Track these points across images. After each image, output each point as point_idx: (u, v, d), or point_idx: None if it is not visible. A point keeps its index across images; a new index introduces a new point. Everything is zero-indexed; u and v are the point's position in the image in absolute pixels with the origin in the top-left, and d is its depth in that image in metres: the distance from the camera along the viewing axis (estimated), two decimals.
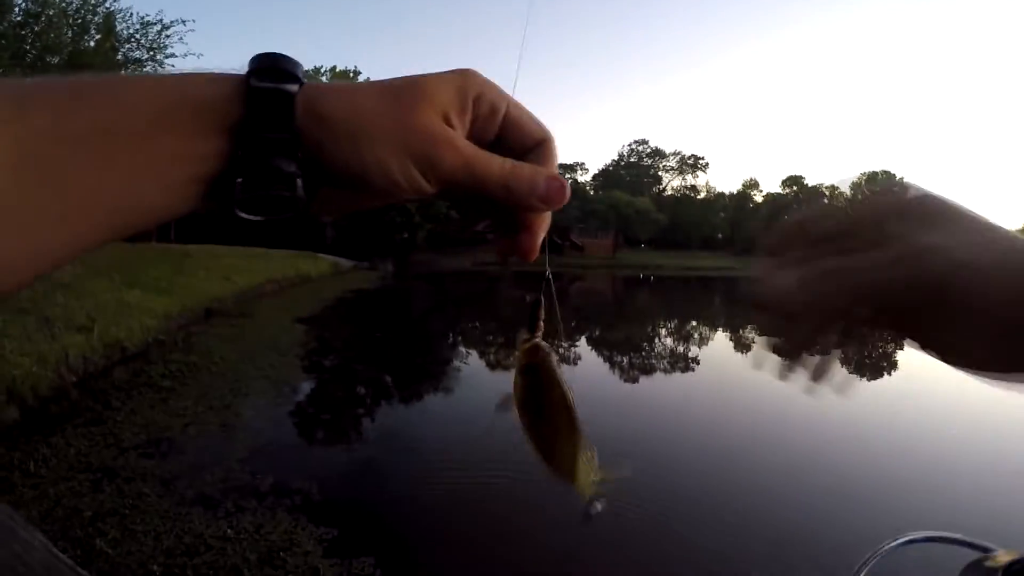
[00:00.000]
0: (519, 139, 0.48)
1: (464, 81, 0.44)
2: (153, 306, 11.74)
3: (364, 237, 43.08)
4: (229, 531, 4.10)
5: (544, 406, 0.52)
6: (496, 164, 0.44)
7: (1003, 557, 0.88)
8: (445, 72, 0.44)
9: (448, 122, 0.43)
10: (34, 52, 19.90)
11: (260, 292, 18.95)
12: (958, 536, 1.16)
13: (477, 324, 17.05)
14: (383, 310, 18.82)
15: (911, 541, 1.22)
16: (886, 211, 0.45)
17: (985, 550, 1.01)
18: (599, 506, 0.55)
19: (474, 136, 0.45)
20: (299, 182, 0.40)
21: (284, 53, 0.41)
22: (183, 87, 0.38)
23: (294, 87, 0.40)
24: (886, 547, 1.21)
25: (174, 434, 5.98)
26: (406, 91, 0.42)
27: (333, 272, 30.01)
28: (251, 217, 0.40)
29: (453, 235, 54.35)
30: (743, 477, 5.57)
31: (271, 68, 0.40)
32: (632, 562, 4.05)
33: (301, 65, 0.41)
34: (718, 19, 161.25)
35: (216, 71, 0.40)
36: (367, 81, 0.44)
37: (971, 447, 6.87)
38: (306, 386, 8.51)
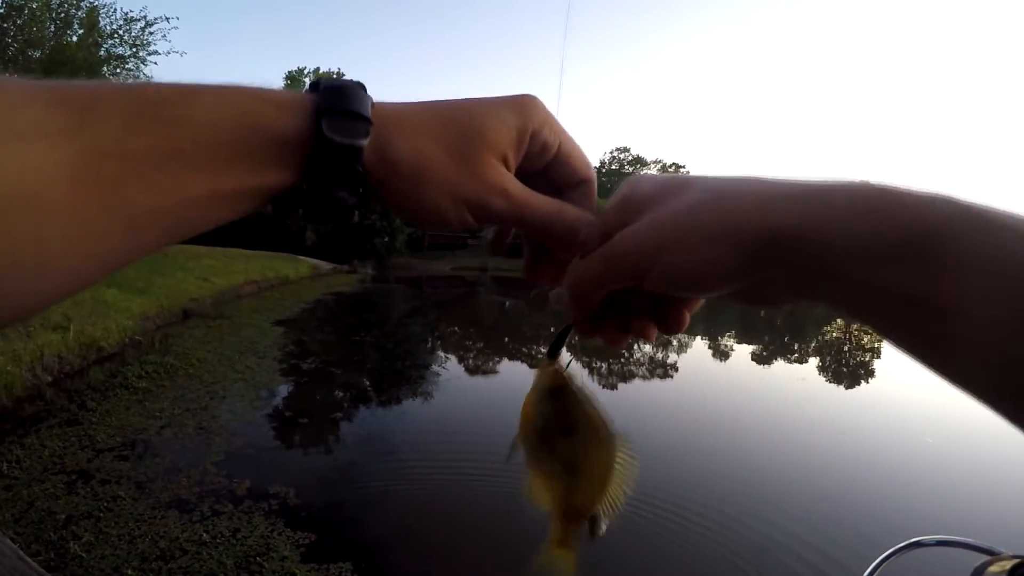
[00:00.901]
0: (563, 176, 0.51)
1: (524, 120, 0.46)
2: (130, 306, 11.63)
3: (344, 240, 42.89)
4: (205, 535, 4.08)
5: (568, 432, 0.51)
6: (542, 209, 0.47)
7: (1007, 561, 0.91)
8: (507, 107, 0.46)
9: (505, 162, 0.46)
10: (16, 46, 19.71)
11: (239, 293, 18.81)
12: (965, 540, 1.18)
13: (456, 328, 17.05)
14: (362, 313, 18.74)
15: (919, 544, 1.24)
16: (611, 212, 0.46)
17: (992, 553, 1.03)
18: (604, 524, 0.52)
19: (521, 168, 0.48)
20: (356, 212, 0.43)
21: (352, 84, 0.42)
22: (252, 115, 0.38)
23: (364, 141, 0.41)
24: (894, 550, 1.24)
25: (150, 436, 5.93)
26: (470, 141, 0.44)
27: (312, 274, 29.84)
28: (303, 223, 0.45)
29: (432, 240, 54.28)
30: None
31: (344, 112, 0.40)
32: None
33: (368, 96, 0.42)
34: (702, 25, 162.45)
35: (281, 93, 0.41)
36: (431, 110, 0.45)
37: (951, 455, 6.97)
38: (284, 389, 8.47)
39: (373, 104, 0.42)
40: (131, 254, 0.37)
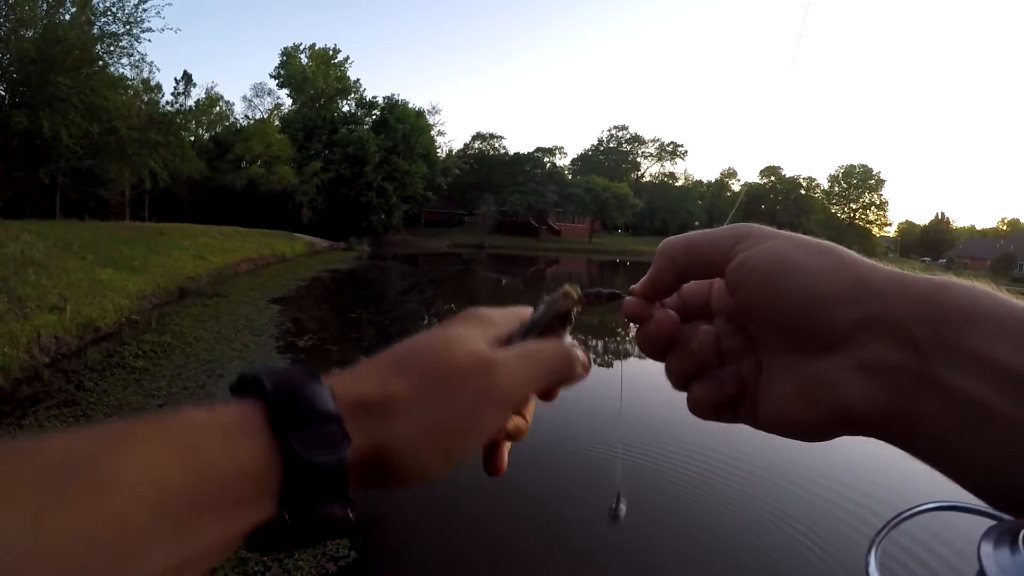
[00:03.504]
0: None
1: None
2: (126, 285, 11.66)
3: (340, 217, 42.81)
4: None
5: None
6: (540, 383, 0.43)
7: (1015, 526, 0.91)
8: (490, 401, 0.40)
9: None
10: (8, 26, 19.54)
11: (235, 271, 18.85)
12: (972, 505, 1.15)
13: (453, 306, 17.06)
14: (358, 290, 18.76)
15: (926, 510, 1.23)
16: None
17: (998, 518, 1.03)
18: (624, 507, 0.52)
19: None
20: (350, 513, 0.35)
21: (300, 376, 0.36)
22: (199, 454, 0.29)
23: (347, 450, 0.34)
24: (901, 515, 1.23)
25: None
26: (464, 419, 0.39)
27: (308, 252, 29.85)
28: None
29: (429, 216, 54.18)
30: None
31: (309, 419, 0.33)
32: None
33: (322, 386, 0.35)
34: (699, 6, 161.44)
35: (223, 415, 0.32)
36: (419, 392, 0.38)
37: None
38: (280, 367, 8.49)
39: (332, 390, 0.36)
40: None
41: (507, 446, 0.48)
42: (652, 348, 0.44)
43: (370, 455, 0.35)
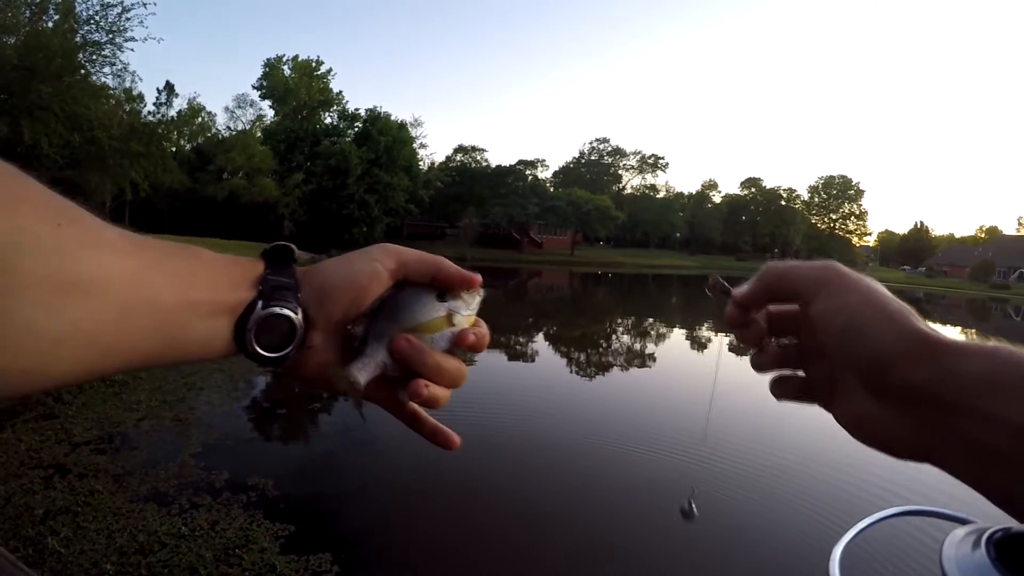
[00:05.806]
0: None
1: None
2: None
3: (322, 229, 42.67)
4: (184, 528, 4.08)
5: None
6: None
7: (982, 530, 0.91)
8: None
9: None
10: None
11: None
12: (937, 509, 1.16)
13: None
14: None
15: (893, 516, 1.23)
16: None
17: (965, 522, 1.04)
18: (695, 507, 0.56)
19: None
20: (299, 319, 0.53)
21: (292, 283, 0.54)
22: (231, 264, 0.53)
23: (289, 352, 0.53)
24: (866, 523, 1.23)
25: (127, 429, 5.92)
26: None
27: None
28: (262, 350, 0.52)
29: (411, 230, 54.06)
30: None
31: (274, 315, 0.52)
32: None
33: (299, 311, 0.53)
34: (682, 20, 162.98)
35: (246, 267, 0.54)
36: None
37: None
38: (261, 380, 8.43)
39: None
40: (163, 349, 0.47)
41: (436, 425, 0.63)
42: (751, 339, 0.57)
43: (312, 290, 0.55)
